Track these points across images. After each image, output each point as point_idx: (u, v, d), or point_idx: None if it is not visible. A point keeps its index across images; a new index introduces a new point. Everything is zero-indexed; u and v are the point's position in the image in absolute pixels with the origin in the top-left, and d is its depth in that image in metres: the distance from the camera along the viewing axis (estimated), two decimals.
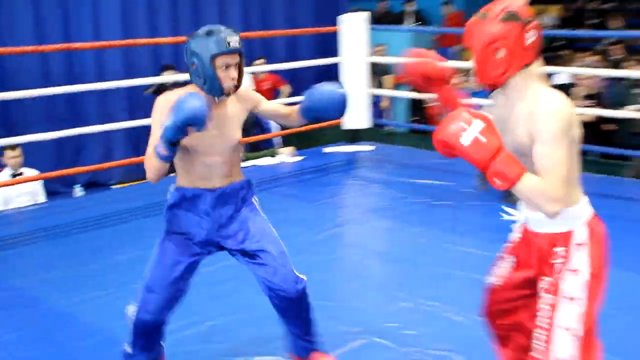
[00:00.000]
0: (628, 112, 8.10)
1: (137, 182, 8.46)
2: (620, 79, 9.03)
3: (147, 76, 9.56)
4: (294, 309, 3.27)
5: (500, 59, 2.49)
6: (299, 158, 7.82)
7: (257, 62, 9.94)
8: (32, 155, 8.21)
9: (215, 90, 3.05)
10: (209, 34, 3.01)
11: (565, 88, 10.16)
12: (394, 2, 15.48)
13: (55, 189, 9.88)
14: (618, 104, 8.95)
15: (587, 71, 8.93)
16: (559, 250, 2.56)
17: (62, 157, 10.71)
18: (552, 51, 13.62)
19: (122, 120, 9.38)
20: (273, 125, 8.41)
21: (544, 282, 2.60)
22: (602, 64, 10.24)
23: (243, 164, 7.47)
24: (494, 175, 2.37)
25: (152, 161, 3.03)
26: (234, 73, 3.05)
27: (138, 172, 10.69)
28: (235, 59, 3.05)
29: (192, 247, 3.23)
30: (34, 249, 5.36)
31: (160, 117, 3.01)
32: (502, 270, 2.84)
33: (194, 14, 12.16)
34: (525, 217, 2.69)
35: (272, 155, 7.84)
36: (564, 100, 2.46)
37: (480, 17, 2.53)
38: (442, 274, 4.62)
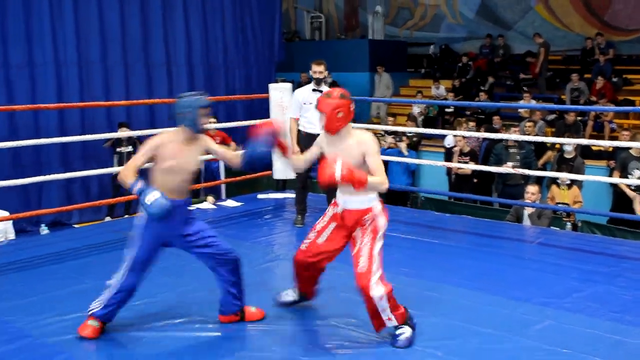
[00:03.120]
0: (506, 168, 8.37)
1: (96, 222, 8.32)
2: (499, 140, 9.40)
3: (102, 132, 9.51)
4: (237, 268, 4.16)
5: (340, 117, 3.92)
6: (236, 204, 7.80)
7: (211, 120, 10.02)
8: (2, 198, 8.03)
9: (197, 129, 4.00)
10: (194, 95, 4.00)
11: (449, 148, 10.54)
12: None
13: (22, 228, 9.68)
14: (498, 161, 9.28)
15: (466, 133, 9.25)
16: (367, 216, 3.99)
17: (28, 199, 10.50)
18: (444, 116, 14.03)
19: (80, 170, 9.25)
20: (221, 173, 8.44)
21: (360, 232, 4.00)
22: (479, 129, 10.73)
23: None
24: (356, 183, 3.77)
25: (126, 179, 3.90)
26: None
27: (96, 213, 10.68)
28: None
29: None
30: (4, 280, 5.21)
31: (148, 148, 3.96)
32: (325, 233, 4.16)
33: (146, 82, 12.18)
34: (343, 202, 4.05)
35: (201, 202, 7.84)
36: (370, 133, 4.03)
37: (326, 96, 3.98)
38: (354, 301, 4.65)
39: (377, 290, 3.84)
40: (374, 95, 15.57)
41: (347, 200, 4.04)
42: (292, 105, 6.91)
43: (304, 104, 6.72)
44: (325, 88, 6.77)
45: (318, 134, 6.23)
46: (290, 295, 4.54)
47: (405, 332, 3.98)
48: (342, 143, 3.98)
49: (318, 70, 6.73)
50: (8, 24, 10.37)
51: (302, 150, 6.16)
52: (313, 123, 6.59)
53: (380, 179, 3.86)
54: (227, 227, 5.98)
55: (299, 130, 6.82)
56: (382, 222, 4.01)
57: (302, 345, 4.04)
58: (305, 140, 6.46)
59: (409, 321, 4.04)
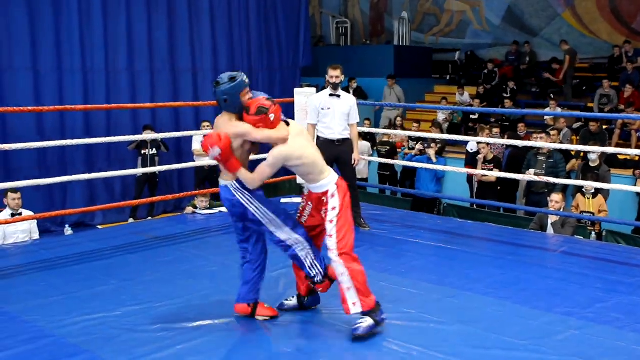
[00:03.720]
0: (529, 175, 8.30)
1: (119, 224, 8.37)
2: (525, 148, 9.38)
3: (127, 134, 9.58)
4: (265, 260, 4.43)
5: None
6: None
7: (204, 125, 10.38)
8: (28, 198, 8.12)
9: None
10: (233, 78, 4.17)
11: (471, 154, 10.51)
12: None
13: (47, 228, 9.78)
14: (528, 167, 9.25)
15: (490, 140, 9.21)
16: (324, 198, 4.20)
17: (53, 200, 10.61)
18: (468, 123, 13.96)
19: (105, 171, 9.33)
20: None
21: (324, 210, 4.20)
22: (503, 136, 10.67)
23: (210, 211, 7.46)
24: (227, 168, 4.07)
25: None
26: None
27: (119, 214, 10.76)
28: None
29: None
30: (27, 280, 5.26)
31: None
32: (307, 211, 4.37)
33: (172, 88, 12.26)
34: (306, 187, 4.34)
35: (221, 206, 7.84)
36: (287, 146, 4.12)
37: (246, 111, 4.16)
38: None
39: (338, 266, 4.08)
40: (383, 108, 15.46)
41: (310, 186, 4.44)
42: (310, 111, 6.83)
43: (322, 109, 6.67)
44: (342, 93, 6.75)
45: (337, 140, 6.55)
46: (293, 301, 4.58)
47: (366, 321, 4.09)
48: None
49: (335, 74, 6.63)
50: (38, 30, 10.49)
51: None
52: (331, 128, 6.65)
53: (250, 177, 4.12)
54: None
55: (317, 137, 6.75)
56: (336, 202, 4.19)
57: (310, 342, 4.05)
58: (324, 146, 6.38)
59: (375, 314, 4.12)
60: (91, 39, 11.09)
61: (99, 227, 10.09)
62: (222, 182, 4.24)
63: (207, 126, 10.07)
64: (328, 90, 6.73)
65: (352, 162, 6.79)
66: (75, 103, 10.62)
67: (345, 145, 6.73)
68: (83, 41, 10.98)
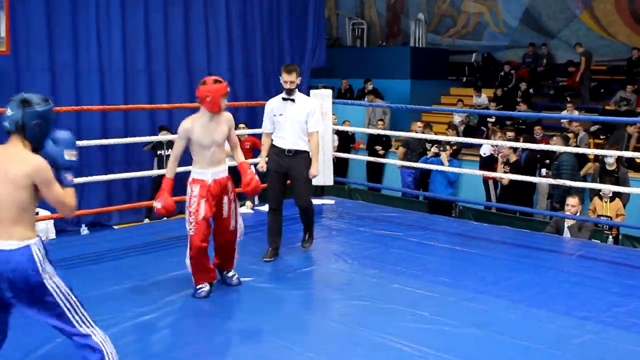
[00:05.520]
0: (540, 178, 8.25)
1: (135, 224, 8.40)
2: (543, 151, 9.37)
3: (144, 135, 9.62)
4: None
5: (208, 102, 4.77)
6: None
7: (240, 126, 10.37)
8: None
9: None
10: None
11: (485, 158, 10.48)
12: (353, 80, 15.76)
13: (63, 228, 9.83)
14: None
15: (507, 143, 9.18)
16: (228, 184, 4.95)
17: None
18: (486, 125, 13.89)
19: (121, 171, 9.37)
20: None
21: (227, 198, 4.92)
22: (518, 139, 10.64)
23: None
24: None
25: None
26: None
27: (135, 215, 10.80)
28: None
29: None
30: None
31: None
32: (206, 206, 4.79)
33: (189, 89, 12.30)
34: (211, 174, 4.84)
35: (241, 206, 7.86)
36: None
37: (202, 83, 4.81)
38: (391, 309, 4.64)
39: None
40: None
41: (215, 171, 4.88)
42: (264, 118, 5.94)
43: (274, 115, 5.83)
44: (299, 97, 5.85)
45: (287, 150, 5.80)
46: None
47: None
48: (214, 122, 4.89)
49: (289, 79, 5.73)
50: (55, 29, 10.56)
51: (269, 169, 5.82)
52: (283, 137, 5.81)
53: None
54: (263, 232, 5.98)
55: (272, 145, 5.90)
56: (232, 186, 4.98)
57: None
58: (274, 156, 5.81)
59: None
60: (109, 38, 11.15)
61: (115, 227, 10.13)
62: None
63: (243, 127, 10.19)
64: (282, 94, 5.88)
65: (306, 178, 5.85)
66: (93, 103, 10.68)
67: (297, 158, 5.80)
68: (100, 41, 11.05)
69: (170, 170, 4.97)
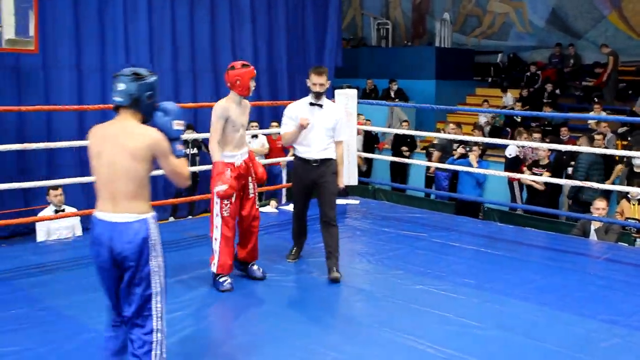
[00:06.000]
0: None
1: (159, 222, 8.41)
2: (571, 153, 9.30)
3: None
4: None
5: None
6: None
7: (273, 124, 10.53)
8: (71, 195, 8.23)
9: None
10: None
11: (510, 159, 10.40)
12: (378, 81, 15.73)
13: (89, 225, 9.88)
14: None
15: (533, 144, 9.11)
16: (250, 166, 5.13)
17: (94, 197, 10.74)
18: (511, 127, 13.78)
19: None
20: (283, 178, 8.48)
21: (251, 177, 5.14)
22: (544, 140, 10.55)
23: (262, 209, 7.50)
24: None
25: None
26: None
27: (160, 213, 10.85)
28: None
29: None
30: (71, 275, 5.34)
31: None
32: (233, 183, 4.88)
33: (214, 88, 12.34)
34: (240, 156, 5.00)
35: (264, 205, 7.86)
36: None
37: (230, 68, 5.04)
38: (415, 310, 4.62)
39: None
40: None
41: (242, 153, 5.05)
42: (283, 120, 5.49)
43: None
44: (326, 102, 5.44)
45: (313, 160, 5.36)
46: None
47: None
48: (242, 107, 5.18)
49: (319, 82, 5.28)
50: (83, 28, 10.65)
51: (295, 181, 5.58)
52: (309, 145, 5.37)
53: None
54: (288, 231, 5.98)
55: (294, 156, 5.57)
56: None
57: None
58: (299, 168, 5.47)
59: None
60: (136, 38, 11.22)
61: None
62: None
63: (276, 125, 10.22)
64: (308, 98, 5.38)
65: (335, 190, 5.43)
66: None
67: (324, 167, 5.37)
68: (127, 40, 11.12)
69: (218, 153, 5.00)
